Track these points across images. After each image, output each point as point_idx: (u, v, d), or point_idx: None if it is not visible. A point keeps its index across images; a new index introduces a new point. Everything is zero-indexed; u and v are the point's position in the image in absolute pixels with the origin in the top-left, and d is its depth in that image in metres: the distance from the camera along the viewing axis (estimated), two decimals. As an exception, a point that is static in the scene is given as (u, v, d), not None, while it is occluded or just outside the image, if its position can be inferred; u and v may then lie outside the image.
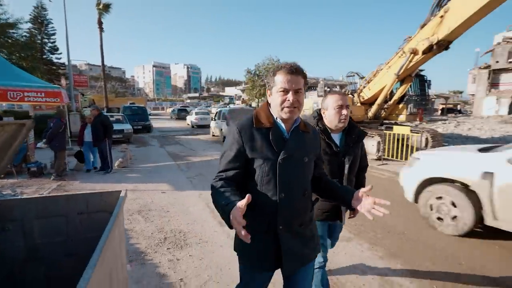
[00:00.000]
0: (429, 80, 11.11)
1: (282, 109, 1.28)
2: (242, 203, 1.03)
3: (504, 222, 3.12)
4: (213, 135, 14.27)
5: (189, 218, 4.08)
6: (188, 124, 21.77)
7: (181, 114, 29.38)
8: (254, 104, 28.37)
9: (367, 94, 9.91)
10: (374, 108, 9.57)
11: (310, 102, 11.18)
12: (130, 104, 23.75)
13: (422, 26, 8.09)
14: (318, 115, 1.97)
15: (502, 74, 33.47)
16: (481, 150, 3.75)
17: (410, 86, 9.88)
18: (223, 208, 1.11)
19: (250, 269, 1.39)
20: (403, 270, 2.79)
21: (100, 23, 21.89)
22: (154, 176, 6.56)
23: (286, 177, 1.26)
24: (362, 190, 1.31)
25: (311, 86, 15.44)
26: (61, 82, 15.13)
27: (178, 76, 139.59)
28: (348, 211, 2.00)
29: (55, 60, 24.34)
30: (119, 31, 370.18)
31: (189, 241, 3.37)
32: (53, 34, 23.87)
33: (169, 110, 40.26)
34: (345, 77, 13.49)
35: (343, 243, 3.26)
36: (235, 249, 1.42)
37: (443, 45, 7.79)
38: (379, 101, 9.33)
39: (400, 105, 9.88)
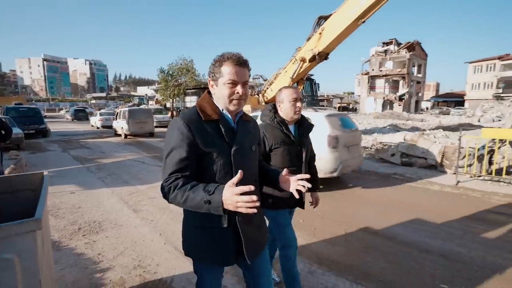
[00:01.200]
0: (318, 83, 13.51)
1: (230, 101, 1.28)
2: (233, 181, 1.06)
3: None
4: (116, 134, 15.43)
5: (103, 210, 4.33)
6: (93, 126, 21.14)
7: (79, 115, 29.39)
8: (168, 105, 27.74)
9: (270, 94, 11.43)
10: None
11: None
12: (16, 104, 20.10)
13: (308, 39, 9.92)
14: (274, 108, 2.06)
15: (376, 80, 41.78)
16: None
17: (303, 87, 11.89)
18: (208, 197, 1.09)
19: (211, 267, 1.37)
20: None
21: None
22: (59, 180, 6.22)
23: (240, 167, 1.22)
24: (285, 171, 1.36)
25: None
26: None
27: (79, 73, 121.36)
28: (309, 199, 2.21)
29: None
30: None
31: (104, 227, 3.70)
32: None
33: (62, 112, 36.02)
34: (252, 79, 14.96)
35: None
36: (187, 253, 1.37)
37: (323, 55, 9.76)
38: (279, 100, 10.91)
39: (297, 104, 11.77)
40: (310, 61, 9.70)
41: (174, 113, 24.73)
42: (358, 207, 4.54)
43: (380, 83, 41.88)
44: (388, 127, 15.88)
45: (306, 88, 13.36)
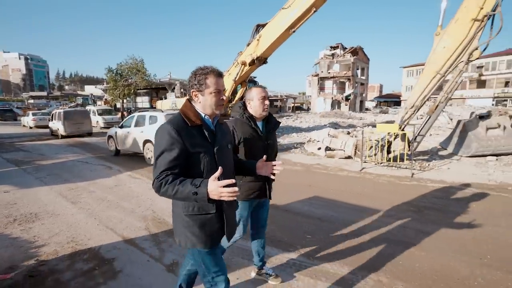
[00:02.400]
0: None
1: (216, 107, 1.55)
2: (215, 175, 1.33)
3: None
4: (52, 134, 15.74)
5: (40, 204, 4.63)
6: (25, 126, 21.09)
7: (5, 115, 28.76)
8: (118, 105, 26.76)
9: (216, 95, 12.11)
10: (221, 107, 11.88)
11: (169, 102, 12.47)
12: None
13: (248, 45, 10.82)
14: (243, 105, 2.20)
15: (325, 81, 44.80)
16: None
17: (246, 89, 12.81)
18: (195, 190, 1.33)
19: (212, 250, 1.60)
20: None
21: None
22: (-8, 181, 6.21)
23: (221, 163, 1.48)
24: (264, 157, 1.75)
25: (162, 87, 16.48)
26: None
27: (12, 68, 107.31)
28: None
29: None
30: None
31: (41, 217, 4.07)
32: None
33: None
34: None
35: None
36: (183, 244, 1.56)
37: (261, 60, 10.75)
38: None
39: (241, 104, 12.66)
40: (250, 64, 10.62)
41: (125, 113, 24.01)
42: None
43: (328, 84, 45.00)
44: (327, 125, 17.59)
45: (250, 89, 14.35)
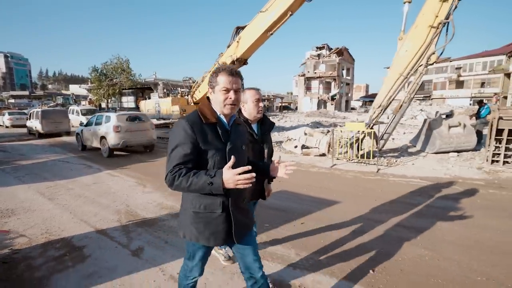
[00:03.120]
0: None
1: (224, 105, 1.52)
2: (229, 165, 1.37)
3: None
4: (30, 133, 16.16)
5: (17, 201, 4.81)
6: (1, 125, 21.53)
7: None
8: (103, 105, 26.53)
9: (198, 96, 12.38)
10: (203, 107, 12.14)
11: (152, 103, 12.63)
12: None
13: (228, 46, 11.11)
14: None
15: (312, 81, 45.54)
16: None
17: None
18: (210, 180, 1.36)
19: (205, 247, 1.67)
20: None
21: None
22: (-31, 180, 6.30)
23: (233, 164, 1.43)
24: (275, 161, 1.79)
25: (148, 87, 16.57)
26: None
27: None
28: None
29: None
30: None
31: (17, 212, 4.26)
32: None
33: None
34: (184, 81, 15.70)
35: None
36: (185, 236, 1.60)
37: (241, 61, 11.05)
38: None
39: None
40: (230, 66, 10.91)
41: (109, 113, 23.82)
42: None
43: (315, 84, 45.78)
44: (310, 124, 18.09)
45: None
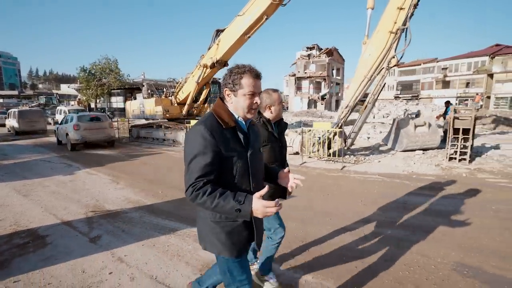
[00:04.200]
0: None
1: (249, 110, 1.45)
2: (260, 193, 1.33)
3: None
4: (8, 131, 17.53)
5: (-7, 198, 5.08)
6: None
7: None
8: (93, 105, 26.60)
9: (181, 96, 12.70)
10: (185, 107, 12.48)
11: (137, 103, 12.89)
12: None
13: (209, 48, 11.44)
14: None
15: (302, 81, 46.08)
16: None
17: (211, 90, 13.43)
18: (238, 206, 1.29)
19: (239, 258, 1.53)
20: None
21: None
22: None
23: (254, 168, 1.44)
24: (285, 170, 1.72)
25: (137, 87, 16.87)
26: None
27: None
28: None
29: None
30: None
31: (-9, 208, 4.55)
32: None
33: None
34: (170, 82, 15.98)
35: (117, 189, 5.36)
36: (206, 247, 1.52)
37: (221, 63, 11.40)
38: (188, 101, 12.28)
39: (205, 104, 13.30)
40: (210, 67, 11.26)
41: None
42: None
43: (305, 84, 46.33)
44: (295, 123, 18.53)
45: (215, 90, 15.00)
